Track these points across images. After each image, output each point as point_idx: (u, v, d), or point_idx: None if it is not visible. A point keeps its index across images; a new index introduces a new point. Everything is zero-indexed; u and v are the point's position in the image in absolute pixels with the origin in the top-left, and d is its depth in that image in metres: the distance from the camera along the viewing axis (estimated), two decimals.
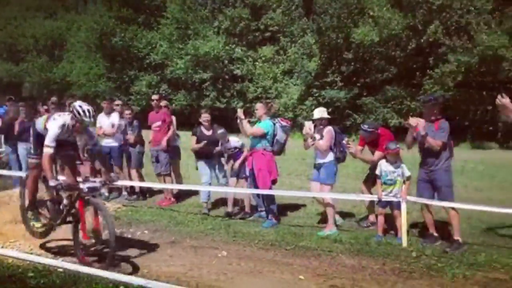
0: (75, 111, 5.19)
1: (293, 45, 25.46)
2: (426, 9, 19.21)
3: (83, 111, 5.17)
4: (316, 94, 22.31)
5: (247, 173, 7.41)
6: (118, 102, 9.54)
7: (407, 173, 6.21)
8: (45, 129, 5.24)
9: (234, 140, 7.85)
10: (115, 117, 8.91)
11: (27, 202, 5.76)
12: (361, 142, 7.05)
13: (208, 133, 7.95)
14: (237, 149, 7.80)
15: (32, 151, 5.54)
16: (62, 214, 5.41)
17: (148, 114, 9.11)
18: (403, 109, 19.76)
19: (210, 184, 7.92)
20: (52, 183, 4.99)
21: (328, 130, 6.78)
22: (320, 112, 6.97)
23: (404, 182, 6.21)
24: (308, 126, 6.90)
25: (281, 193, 7.53)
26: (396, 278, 4.96)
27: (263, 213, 7.45)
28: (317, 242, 6.16)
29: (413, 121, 6.13)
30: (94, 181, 5.33)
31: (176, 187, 8.70)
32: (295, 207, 8.22)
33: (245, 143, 7.81)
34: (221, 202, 8.33)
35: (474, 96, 18.69)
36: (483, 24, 18.28)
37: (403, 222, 6.01)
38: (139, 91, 27.81)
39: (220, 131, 7.72)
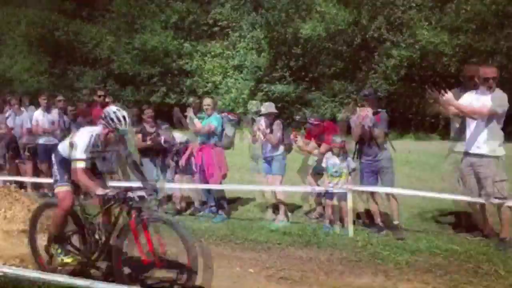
0: (109, 118, 4.42)
1: (242, 40, 25.41)
2: (370, 5, 19.75)
3: (117, 118, 4.41)
4: (266, 89, 22.43)
5: (194, 169, 7.36)
6: (60, 98, 9.20)
7: (353, 165, 6.36)
8: (71, 147, 4.52)
9: (178, 136, 7.76)
10: (55, 114, 8.57)
11: (38, 231, 5.04)
12: (308, 135, 7.16)
13: (152, 129, 7.81)
14: (182, 145, 7.72)
15: (58, 178, 4.70)
16: (98, 244, 4.54)
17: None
18: (350, 103, 20.21)
19: (156, 181, 7.79)
20: (100, 192, 4.25)
21: (278, 123, 6.91)
22: (268, 107, 7.05)
23: (350, 173, 6.36)
24: (260, 121, 7.01)
25: (232, 188, 7.53)
26: (343, 267, 5.08)
27: (213, 208, 7.43)
28: (266, 235, 6.21)
29: (363, 111, 6.29)
30: (140, 189, 4.44)
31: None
32: (245, 201, 8.25)
33: (189, 139, 7.74)
34: (170, 199, 8.20)
35: (416, 89, 19.40)
36: (424, 20, 19.03)
37: (349, 213, 6.15)
38: (85, 87, 26.91)
39: (164, 126, 7.61)
